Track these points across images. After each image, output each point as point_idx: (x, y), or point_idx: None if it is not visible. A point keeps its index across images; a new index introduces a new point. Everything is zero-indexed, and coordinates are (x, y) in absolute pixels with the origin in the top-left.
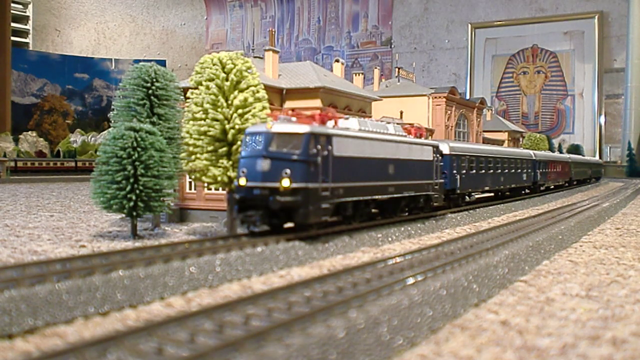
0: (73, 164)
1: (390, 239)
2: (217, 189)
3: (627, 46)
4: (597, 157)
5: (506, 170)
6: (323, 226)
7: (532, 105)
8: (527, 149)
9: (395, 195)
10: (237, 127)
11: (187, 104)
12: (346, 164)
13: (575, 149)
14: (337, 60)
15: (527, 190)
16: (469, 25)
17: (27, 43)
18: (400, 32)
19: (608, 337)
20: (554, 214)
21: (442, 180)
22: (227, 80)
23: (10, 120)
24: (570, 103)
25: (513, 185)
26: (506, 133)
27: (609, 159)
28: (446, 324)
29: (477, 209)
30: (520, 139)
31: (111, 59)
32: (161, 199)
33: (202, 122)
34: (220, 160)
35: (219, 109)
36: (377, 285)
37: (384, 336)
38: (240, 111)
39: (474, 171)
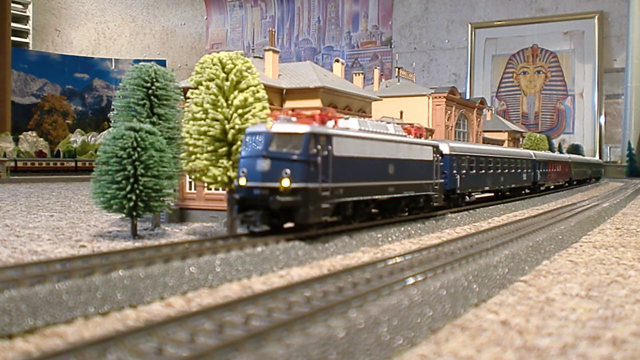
0: (73, 164)
1: (390, 239)
2: (217, 189)
3: (627, 46)
4: (597, 157)
5: (506, 170)
6: (323, 226)
7: (532, 105)
8: (527, 149)
9: (395, 195)
10: (237, 127)
11: (187, 104)
12: (346, 164)
13: (575, 149)
14: (337, 60)
15: (527, 190)
16: (469, 25)
17: (27, 43)
18: (400, 32)
19: (608, 337)
20: (554, 214)
21: (442, 180)
22: (227, 80)
23: (10, 120)
24: (570, 103)
25: (513, 185)
26: (506, 133)
27: (609, 159)
28: (446, 324)
29: (477, 209)
30: (520, 139)
31: (111, 59)
32: (161, 199)
33: (202, 122)
34: (220, 160)
35: (219, 109)
36: (377, 285)
37: (384, 336)
38: (240, 111)
39: (474, 171)
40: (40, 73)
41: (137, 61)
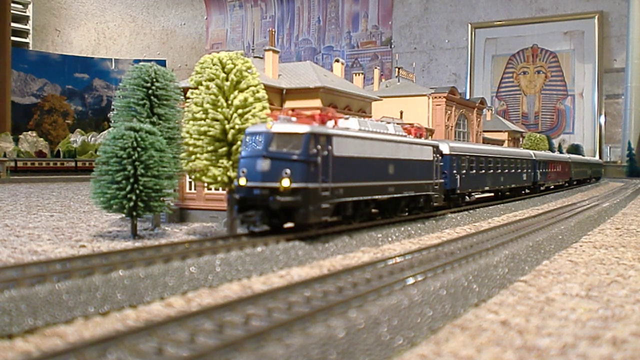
0: (73, 164)
1: (390, 239)
2: (217, 189)
3: (627, 46)
4: (597, 157)
5: (506, 170)
6: (323, 226)
7: (532, 105)
8: (527, 149)
9: (395, 195)
10: (237, 127)
11: (187, 104)
12: (346, 164)
13: (575, 149)
14: (337, 60)
15: (527, 190)
16: (469, 25)
17: (27, 43)
18: (400, 32)
19: (608, 337)
20: (554, 214)
21: (442, 180)
22: (227, 80)
23: (10, 120)
24: (570, 103)
25: (513, 185)
26: (506, 133)
27: (609, 159)
28: (446, 324)
29: (477, 209)
30: (520, 139)
31: (111, 59)
32: (161, 199)
33: (202, 122)
34: (220, 160)
35: (219, 109)
36: (377, 285)
37: (384, 336)
38: (240, 111)
39: (474, 171)
40: (40, 73)
41: (137, 61)
